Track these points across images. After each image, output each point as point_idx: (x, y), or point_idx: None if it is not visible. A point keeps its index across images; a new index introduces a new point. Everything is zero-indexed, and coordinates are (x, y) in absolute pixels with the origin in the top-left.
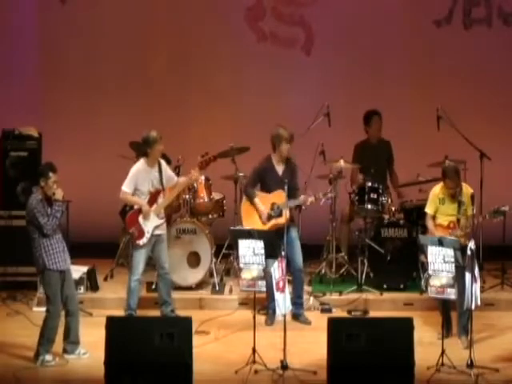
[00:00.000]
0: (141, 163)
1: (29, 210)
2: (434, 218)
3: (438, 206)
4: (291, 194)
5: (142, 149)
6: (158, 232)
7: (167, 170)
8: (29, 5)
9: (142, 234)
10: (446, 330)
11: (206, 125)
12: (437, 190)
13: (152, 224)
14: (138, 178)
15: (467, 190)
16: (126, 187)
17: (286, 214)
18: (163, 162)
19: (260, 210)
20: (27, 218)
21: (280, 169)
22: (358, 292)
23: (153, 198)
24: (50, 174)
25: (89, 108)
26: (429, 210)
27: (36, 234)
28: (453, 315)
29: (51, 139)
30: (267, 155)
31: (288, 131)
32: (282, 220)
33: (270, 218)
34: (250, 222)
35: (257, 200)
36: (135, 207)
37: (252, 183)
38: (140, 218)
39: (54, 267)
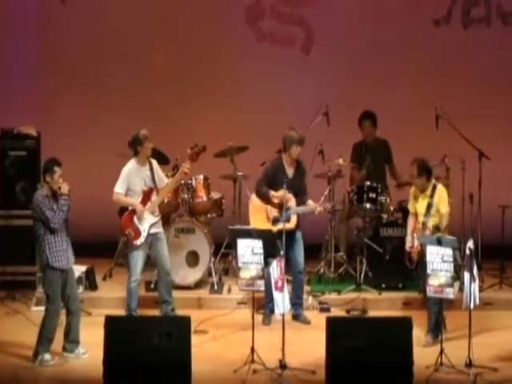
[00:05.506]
0: (131, 163)
1: (35, 205)
2: (416, 215)
3: (414, 203)
4: (300, 199)
5: (131, 147)
6: (153, 230)
7: (158, 170)
8: (29, 5)
9: (138, 233)
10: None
11: (205, 124)
12: (413, 187)
13: (148, 222)
14: (131, 178)
15: (441, 191)
16: (119, 188)
17: (294, 218)
18: (154, 162)
19: (279, 195)
20: (33, 214)
21: (290, 172)
22: (356, 291)
23: (146, 197)
24: (56, 169)
25: (88, 107)
26: (409, 207)
27: (42, 231)
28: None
29: (50, 138)
30: (278, 155)
31: (299, 134)
32: (289, 225)
33: (277, 221)
34: (259, 220)
35: (273, 192)
36: (129, 208)
37: (265, 183)
38: (135, 218)
39: (56, 265)
